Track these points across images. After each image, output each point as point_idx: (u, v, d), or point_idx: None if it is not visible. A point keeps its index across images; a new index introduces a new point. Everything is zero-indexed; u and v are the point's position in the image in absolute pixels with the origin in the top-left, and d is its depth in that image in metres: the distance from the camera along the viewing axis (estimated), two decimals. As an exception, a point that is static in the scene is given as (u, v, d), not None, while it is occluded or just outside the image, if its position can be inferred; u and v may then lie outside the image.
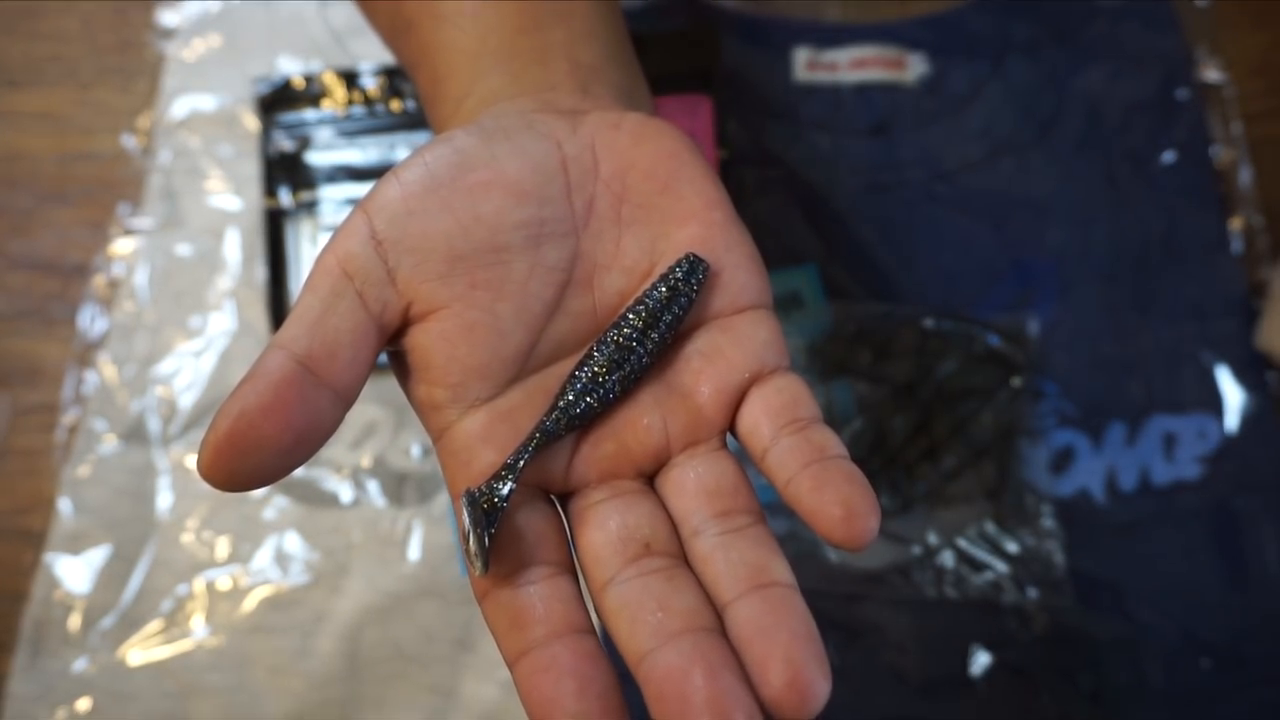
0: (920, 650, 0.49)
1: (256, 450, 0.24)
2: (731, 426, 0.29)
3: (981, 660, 0.49)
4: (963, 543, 0.50)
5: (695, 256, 0.29)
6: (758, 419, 0.28)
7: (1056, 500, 0.51)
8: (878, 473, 0.50)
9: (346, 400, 0.26)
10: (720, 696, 0.23)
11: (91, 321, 0.56)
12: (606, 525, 0.27)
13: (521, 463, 0.27)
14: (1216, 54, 0.59)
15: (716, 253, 0.30)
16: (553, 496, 0.29)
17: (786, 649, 0.24)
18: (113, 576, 0.51)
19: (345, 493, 0.52)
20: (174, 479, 0.53)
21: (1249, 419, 0.52)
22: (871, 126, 0.58)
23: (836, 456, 0.26)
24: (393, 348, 0.28)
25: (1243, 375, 0.53)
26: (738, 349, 0.29)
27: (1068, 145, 0.57)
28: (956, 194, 0.57)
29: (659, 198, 0.30)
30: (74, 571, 0.51)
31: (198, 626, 0.50)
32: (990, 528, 0.50)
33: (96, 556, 0.51)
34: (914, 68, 0.59)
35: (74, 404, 0.54)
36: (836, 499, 0.25)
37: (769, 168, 0.57)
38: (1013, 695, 0.48)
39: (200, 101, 0.60)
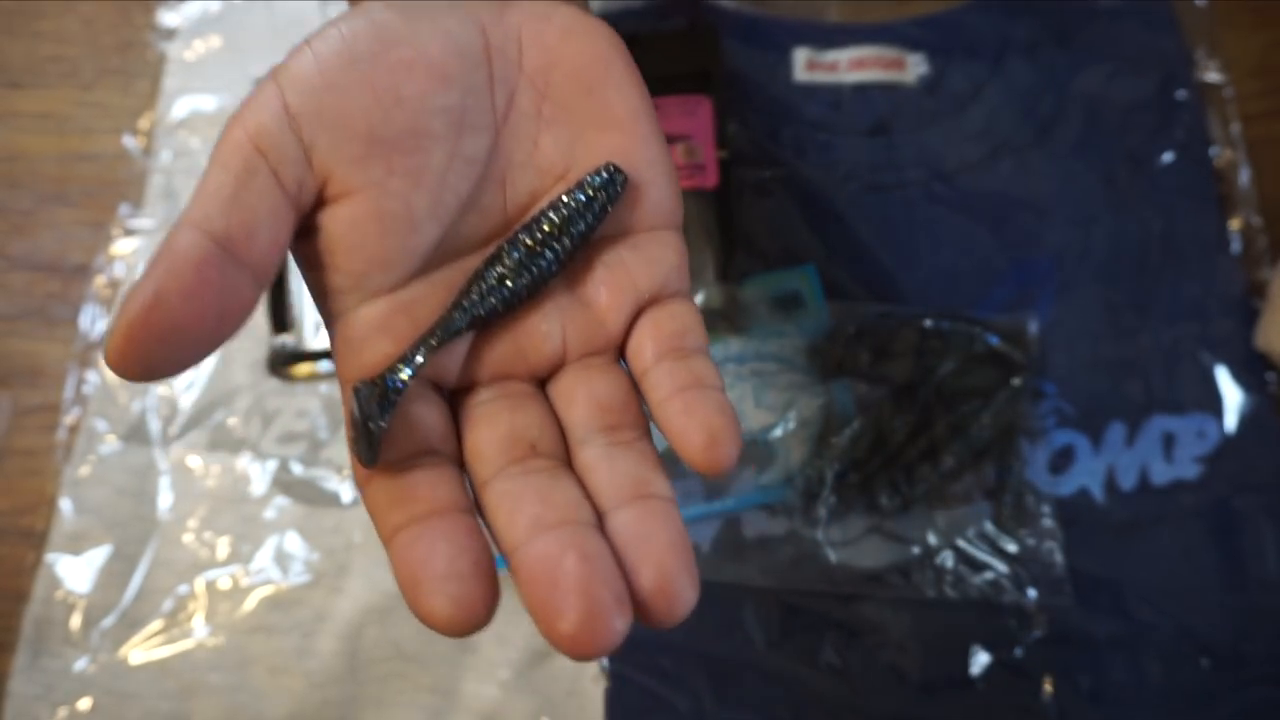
0: (920, 650, 0.49)
1: (175, 335, 0.23)
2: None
3: (981, 660, 0.49)
4: (963, 543, 0.50)
5: (614, 167, 0.28)
6: (644, 340, 0.28)
7: (1056, 500, 0.51)
8: (878, 473, 0.50)
9: (264, 282, 0.25)
10: (591, 580, 0.23)
11: (92, 322, 0.56)
12: (495, 424, 0.27)
13: (420, 357, 0.26)
14: (1216, 54, 0.59)
15: (636, 166, 0.29)
16: (444, 391, 0.28)
17: (660, 556, 0.24)
18: (113, 576, 0.51)
19: (345, 493, 0.52)
20: (174, 479, 0.53)
21: (1248, 419, 0.52)
22: (871, 127, 0.58)
23: (711, 388, 0.27)
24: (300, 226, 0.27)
25: (1242, 375, 0.53)
26: (643, 269, 0.29)
27: (1068, 145, 0.57)
28: (956, 194, 0.57)
29: (583, 100, 0.29)
30: (75, 571, 0.51)
31: (198, 626, 0.50)
32: (990, 528, 0.50)
33: (97, 556, 0.51)
34: (914, 68, 0.59)
35: (75, 404, 0.54)
36: (702, 425, 0.26)
37: (769, 168, 0.57)
38: (1013, 695, 0.48)
39: (201, 102, 0.60)
